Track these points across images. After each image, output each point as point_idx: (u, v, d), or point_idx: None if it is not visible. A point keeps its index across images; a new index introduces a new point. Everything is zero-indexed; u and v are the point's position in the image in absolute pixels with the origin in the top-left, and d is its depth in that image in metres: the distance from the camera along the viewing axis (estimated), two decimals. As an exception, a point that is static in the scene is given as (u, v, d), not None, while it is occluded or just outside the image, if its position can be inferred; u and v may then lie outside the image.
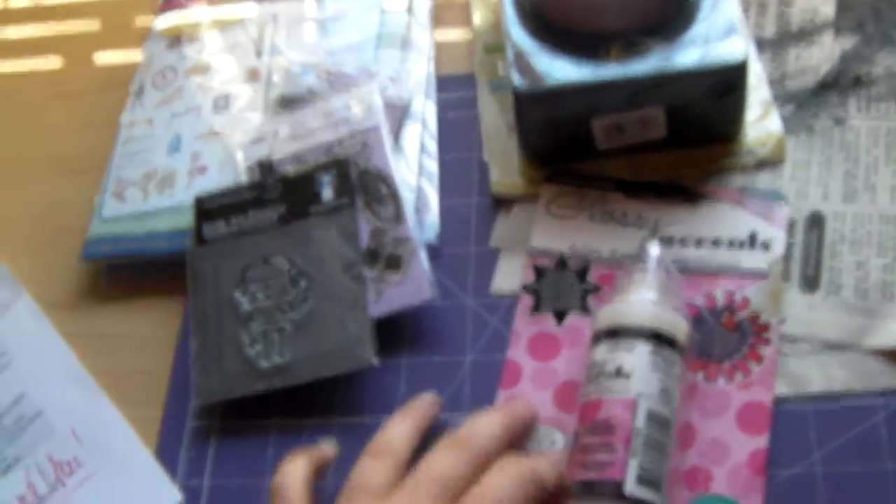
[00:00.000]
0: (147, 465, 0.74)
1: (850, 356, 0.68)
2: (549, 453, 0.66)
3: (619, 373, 0.62)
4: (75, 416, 0.77)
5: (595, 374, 0.63)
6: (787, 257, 0.72)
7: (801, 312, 0.70)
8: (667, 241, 0.74)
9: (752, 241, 0.73)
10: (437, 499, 0.58)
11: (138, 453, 0.75)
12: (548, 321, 0.73)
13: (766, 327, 0.69)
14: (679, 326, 0.65)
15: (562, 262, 0.75)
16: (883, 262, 0.70)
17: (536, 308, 0.73)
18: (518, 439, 0.64)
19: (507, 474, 0.59)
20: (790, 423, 0.66)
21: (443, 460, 0.60)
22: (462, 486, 0.59)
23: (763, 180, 0.76)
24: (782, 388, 0.67)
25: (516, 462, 0.60)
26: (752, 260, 0.72)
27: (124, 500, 0.74)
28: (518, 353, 0.72)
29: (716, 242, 0.73)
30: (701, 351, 0.69)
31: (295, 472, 0.65)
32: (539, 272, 0.75)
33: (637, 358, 0.63)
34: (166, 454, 0.75)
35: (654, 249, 0.69)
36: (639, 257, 0.69)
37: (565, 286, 0.74)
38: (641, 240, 0.73)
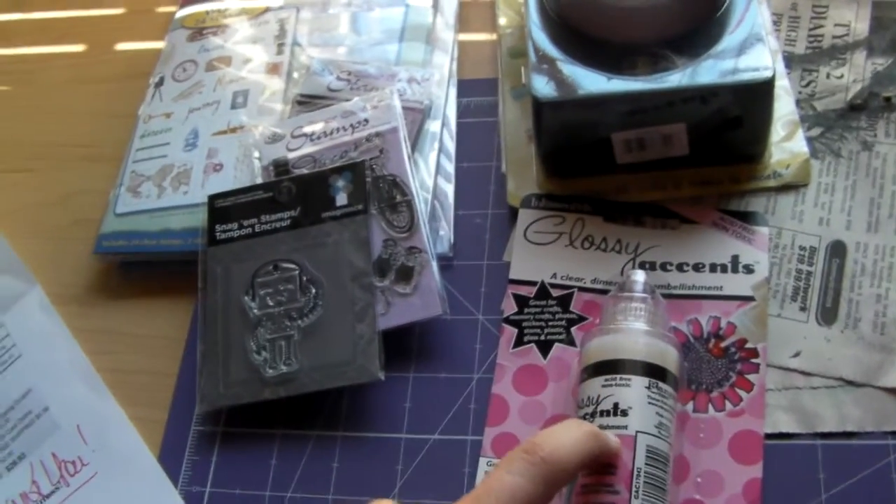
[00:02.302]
0: (151, 470, 0.74)
1: (864, 394, 0.66)
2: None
3: (616, 409, 0.61)
4: (81, 414, 0.77)
5: (591, 411, 0.62)
6: (769, 279, 0.71)
7: (817, 346, 0.68)
8: (648, 267, 0.72)
9: (735, 264, 0.71)
10: None
11: (142, 456, 0.75)
12: (532, 354, 0.71)
13: (753, 353, 0.68)
14: (670, 356, 0.63)
15: (543, 292, 0.73)
16: (904, 296, 0.69)
17: (520, 341, 0.72)
18: None
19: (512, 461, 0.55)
20: (799, 460, 0.65)
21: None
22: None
23: (786, 204, 0.74)
24: (793, 425, 0.66)
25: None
26: (736, 284, 0.71)
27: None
28: (504, 387, 0.70)
29: (698, 267, 0.72)
30: (689, 379, 0.68)
31: None
32: (521, 303, 0.73)
33: (634, 393, 0.61)
34: (169, 458, 0.74)
35: (639, 276, 0.67)
36: (623, 285, 0.67)
37: (548, 317, 0.72)
38: (625, 266, 0.72)
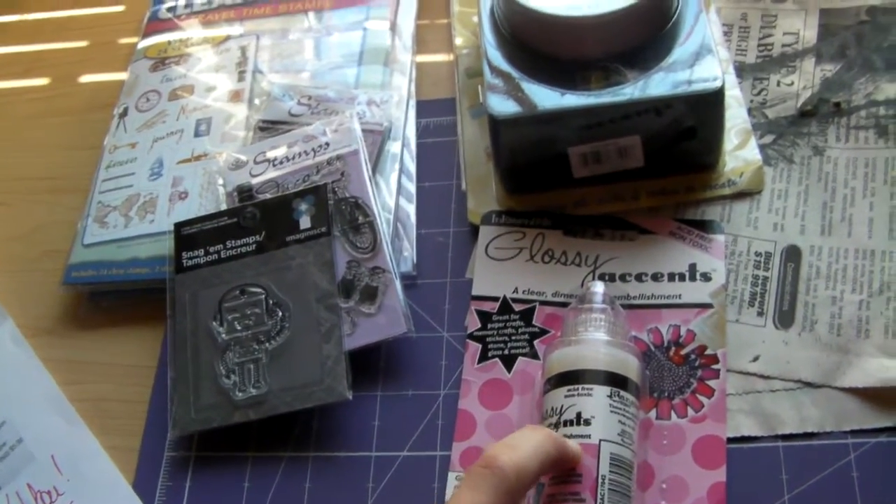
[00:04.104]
0: (125, 497, 0.74)
1: (823, 395, 0.67)
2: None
3: (579, 418, 0.62)
4: (55, 445, 0.77)
5: (554, 421, 0.63)
6: (725, 286, 0.72)
7: (775, 349, 0.69)
8: (608, 278, 0.73)
9: (693, 272, 0.73)
10: None
11: (117, 484, 0.75)
12: (497, 368, 0.72)
13: (713, 359, 0.69)
14: (631, 365, 0.65)
15: (506, 307, 0.74)
16: (858, 297, 0.70)
17: (484, 356, 0.73)
18: None
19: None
20: (761, 463, 0.66)
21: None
22: None
23: (741, 211, 0.75)
24: (754, 428, 0.67)
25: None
26: (694, 292, 0.72)
27: (102, 532, 0.74)
28: (470, 402, 0.71)
29: (656, 276, 0.73)
30: (651, 387, 0.69)
31: None
32: (484, 318, 0.74)
33: (596, 402, 0.62)
34: (144, 485, 0.75)
35: (599, 288, 0.68)
36: (583, 297, 0.68)
37: (511, 331, 0.73)
38: (585, 279, 0.73)
